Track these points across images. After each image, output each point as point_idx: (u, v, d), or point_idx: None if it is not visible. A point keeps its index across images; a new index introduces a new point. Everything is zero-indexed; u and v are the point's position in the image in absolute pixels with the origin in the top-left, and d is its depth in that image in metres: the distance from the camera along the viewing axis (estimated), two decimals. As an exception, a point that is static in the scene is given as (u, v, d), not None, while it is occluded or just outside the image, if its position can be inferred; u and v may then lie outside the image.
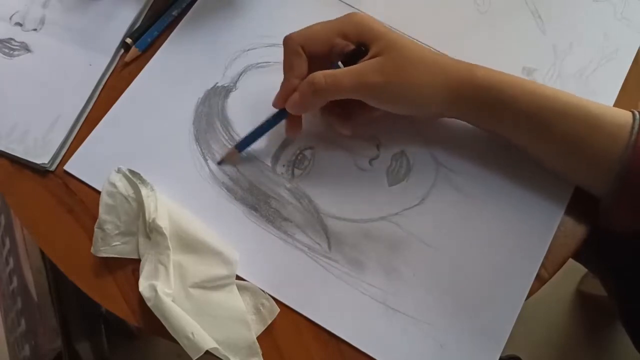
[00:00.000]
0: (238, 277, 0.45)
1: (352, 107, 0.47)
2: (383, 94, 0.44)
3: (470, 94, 0.44)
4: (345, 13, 0.54)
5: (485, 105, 0.44)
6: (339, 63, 0.45)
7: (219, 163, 0.48)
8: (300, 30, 0.45)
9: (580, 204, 0.47)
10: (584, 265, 0.79)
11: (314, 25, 0.46)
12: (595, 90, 0.52)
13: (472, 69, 0.44)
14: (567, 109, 0.43)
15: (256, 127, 0.48)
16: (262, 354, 0.43)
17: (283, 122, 0.48)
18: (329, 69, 0.45)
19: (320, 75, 0.43)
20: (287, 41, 0.45)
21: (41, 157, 0.48)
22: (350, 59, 0.45)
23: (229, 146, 0.49)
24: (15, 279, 0.74)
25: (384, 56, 0.43)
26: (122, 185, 0.46)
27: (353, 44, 0.45)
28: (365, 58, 0.44)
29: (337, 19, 0.46)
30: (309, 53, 0.45)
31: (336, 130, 0.48)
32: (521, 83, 0.44)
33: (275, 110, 0.47)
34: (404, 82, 0.43)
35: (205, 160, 0.49)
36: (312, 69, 0.45)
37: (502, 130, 0.45)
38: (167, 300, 0.42)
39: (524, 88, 0.44)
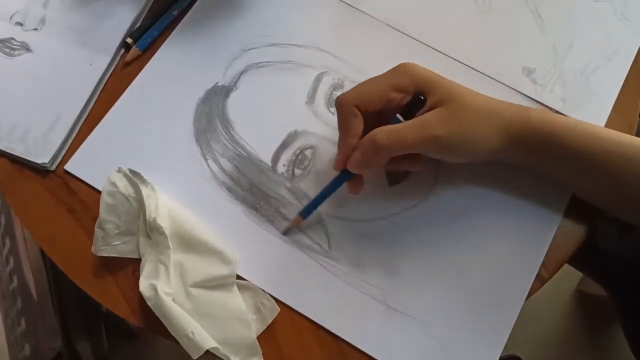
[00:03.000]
0: (238, 277, 0.45)
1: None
2: (447, 146, 0.42)
3: (526, 138, 0.43)
4: (346, 14, 0.54)
5: (539, 148, 0.44)
6: (398, 116, 0.44)
7: (284, 233, 0.46)
8: (353, 89, 0.44)
9: (580, 204, 0.47)
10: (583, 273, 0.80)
11: (366, 82, 0.44)
12: (595, 90, 0.52)
13: (527, 112, 0.44)
14: (622, 150, 0.43)
15: (319, 193, 0.46)
16: (263, 354, 0.43)
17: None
18: (384, 121, 0.43)
19: (382, 133, 0.42)
20: (342, 102, 0.44)
21: (41, 157, 0.48)
22: (409, 110, 0.43)
23: (230, 146, 0.49)
24: (15, 279, 0.74)
25: (445, 106, 0.42)
26: (123, 184, 0.46)
27: (410, 94, 0.44)
28: (424, 109, 0.43)
29: (388, 72, 0.44)
30: (364, 111, 0.43)
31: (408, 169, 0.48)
32: (577, 125, 0.44)
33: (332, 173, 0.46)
34: (466, 132, 0.42)
35: (206, 159, 0.49)
36: (367, 123, 0.44)
37: (552, 171, 0.45)
38: (168, 300, 0.42)
39: (580, 130, 0.43)
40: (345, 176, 0.45)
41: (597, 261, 0.68)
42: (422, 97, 0.43)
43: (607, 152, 0.43)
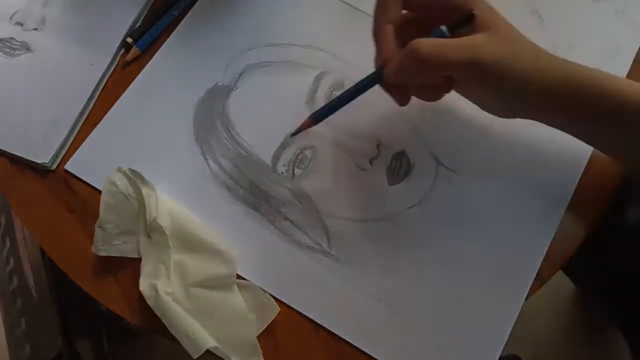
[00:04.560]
0: (238, 277, 0.45)
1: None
2: (489, 74, 0.39)
3: (565, 87, 0.40)
4: (346, 13, 0.54)
5: (577, 99, 0.40)
6: (442, 27, 0.40)
7: (292, 135, 0.43)
8: None
9: (581, 204, 0.47)
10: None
11: None
12: (595, 90, 0.52)
13: (566, 61, 0.41)
14: None
15: (340, 94, 0.42)
16: (263, 353, 0.43)
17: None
18: (425, 33, 0.40)
19: (426, 43, 0.38)
20: None
21: (42, 157, 0.48)
22: (455, 26, 0.40)
23: (230, 146, 0.49)
24: (15, 279, 0.74)
25: (494, 30, 0.39)
26: (123, 184, 0.46)
27: (459, 11, 0.40)
28: (470, 30, 0.40)
29: None
30: (407, 3, 0.40)
31: (395, 100, 0.44)
32: (615, 79, 0.41)
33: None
34: (511, 64, 0.39)
35: (206, 159, 0.49)
36: (407, 33, 0.41)
37: (585, 126, 0.43)
38: (168, 300, 0.42)
39: (623, 85, 0.40)
40: (373, 79, 0.42)
41: (600, 274, 0.68)
42: (472, 14, 0.40)
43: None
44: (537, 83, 0.40)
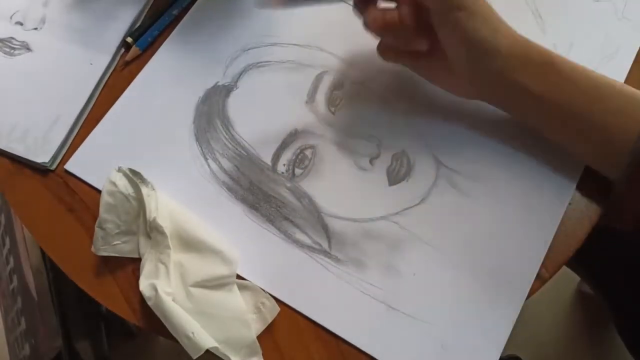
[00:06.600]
0: (238, 277, 0.45)
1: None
2: (467, 14, 0.41)
3: (528, 57, 0.43)
4: (347, 13, 0.54)
5: (538, 73, 0.43)
6: None
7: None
8: None
9: (581, 204, 0.47)
10: (580, 277, 0.80)
11: None
12: (595, 90, 0.52)
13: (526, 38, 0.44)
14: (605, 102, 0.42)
15: None
16: (262, 354, 0.43)
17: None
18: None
19: None
20: None
21: (42, 156, 0.48)
22: None
23: (230, 146, 0.49)
24: (15, 278, 0.74)
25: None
26: (123, 184, 0.46)
27: None
28: None
29: None
30: None
31: (414, 46, 0.46)
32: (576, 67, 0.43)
33: None
34: (488, 17, 0.42)
35: (206, 159, 0.49)
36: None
37: (530, 106, 0.44)
38: (168, 300, 0.42)
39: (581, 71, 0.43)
40: None
41: (598, 267, 0.68)
42: None
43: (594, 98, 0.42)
44: (504, 47, 0.42)
